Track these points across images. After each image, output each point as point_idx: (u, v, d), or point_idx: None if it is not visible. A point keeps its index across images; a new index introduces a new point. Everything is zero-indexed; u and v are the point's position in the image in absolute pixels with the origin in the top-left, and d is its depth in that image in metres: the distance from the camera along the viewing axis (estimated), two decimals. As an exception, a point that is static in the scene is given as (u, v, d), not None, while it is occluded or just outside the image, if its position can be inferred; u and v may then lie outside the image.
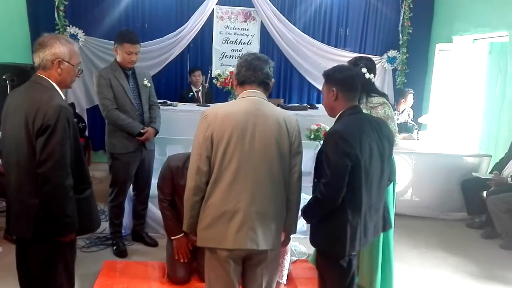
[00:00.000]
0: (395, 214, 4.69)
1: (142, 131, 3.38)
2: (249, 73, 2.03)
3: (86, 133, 5.83)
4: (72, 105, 5.60)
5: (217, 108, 2.04)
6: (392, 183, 2.94)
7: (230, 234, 1.94)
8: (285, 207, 2.07)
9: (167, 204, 3.01)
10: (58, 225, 2.00)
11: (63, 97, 2.07)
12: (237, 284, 2.07)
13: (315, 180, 2.20)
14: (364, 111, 2.71)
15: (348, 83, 2.17)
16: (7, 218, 3.67)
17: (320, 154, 2.17)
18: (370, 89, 2.89)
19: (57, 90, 2.03)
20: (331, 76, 2.19)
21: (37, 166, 1.92)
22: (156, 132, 3.52)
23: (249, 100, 2.02)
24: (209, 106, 4.97)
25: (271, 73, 2.09)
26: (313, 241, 2.26)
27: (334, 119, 2.26)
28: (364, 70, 2.85)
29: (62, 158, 1.94)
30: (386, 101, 2.91)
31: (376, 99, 2.89)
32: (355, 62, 2.90)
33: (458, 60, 5.64)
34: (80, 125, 5.79)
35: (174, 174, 2.93)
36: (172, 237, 3.02)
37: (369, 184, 2.11)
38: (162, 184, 3.02)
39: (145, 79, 3.52)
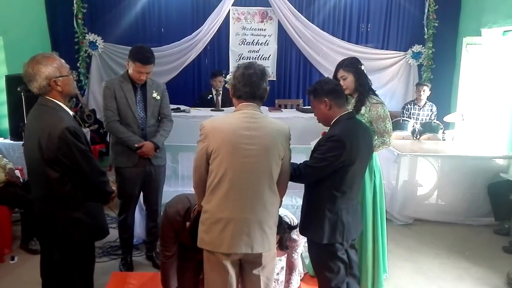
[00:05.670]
0: (416, 220, 4.56)
1: (136, 145, 3.20)
2: (246, 89, 2.08)
3: (107, 139, 5.91)
4: (93, 111, 5.71)
5: (214, 120, 2.13)
6: (379, 180, 3.07)
7: (226, 239, 2.04)
8: (278, 209, 2.19)
9: (170, 256, 2.80)
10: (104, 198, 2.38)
11: (70, 112, 2.24)
12: (235, 285, 2.16)
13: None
14: (363, 108, 2.90)
15: (337, 91, 2.37)
16: (23, 228, 3.82)
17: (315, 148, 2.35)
18: (370, 87, 2.99)
19: (63, 108, 2.18)
20: (319, 89, 2.34)
21: (85, 184, 2.18)
22: (156, 147, 3.28)
23: (245, 113, 2.08)
24: (223, 110, 4.94)
25: (267, 85, 2.15)
26: (301, 230, 2.49)
27: None
28: (363, 67, 2.92)
29: (93, 167, 2.20)
30: (383, 102, 3.03)
31: (376, 98, 2.98)
32: (348, 65, 2.90)
33: (487, 54, 5.32)
34: (101, 131, 5.91)
35: (175, 228, 2.73)
36: None
37: (355, 181, 2.35)
38: (163, 234, 2.80)
39: (154, 91, 3.29)
